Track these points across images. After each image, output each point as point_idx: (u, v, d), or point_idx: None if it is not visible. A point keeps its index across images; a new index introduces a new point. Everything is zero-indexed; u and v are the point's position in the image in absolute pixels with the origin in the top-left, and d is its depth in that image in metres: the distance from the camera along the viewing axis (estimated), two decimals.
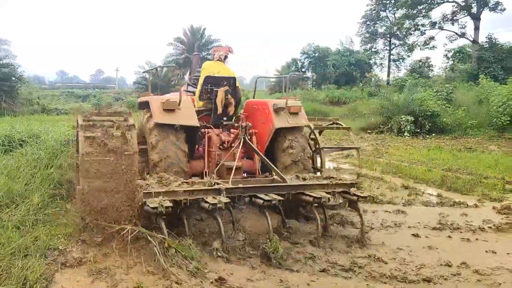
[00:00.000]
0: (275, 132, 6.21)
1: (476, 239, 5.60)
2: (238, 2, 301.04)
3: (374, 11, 48.78)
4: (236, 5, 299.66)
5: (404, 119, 18.07)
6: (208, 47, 42.61)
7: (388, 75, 48.23)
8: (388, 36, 48.39)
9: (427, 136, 17.90)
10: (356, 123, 21.65)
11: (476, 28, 31.16)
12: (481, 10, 31.16)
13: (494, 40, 30.12)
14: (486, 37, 30.75)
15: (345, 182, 5.49)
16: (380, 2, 48.18)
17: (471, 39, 31.71)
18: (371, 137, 18.00)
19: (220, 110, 6.52)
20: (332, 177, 5.59)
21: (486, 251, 5.12)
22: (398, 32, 43.73)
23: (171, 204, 4.39)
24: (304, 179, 5.52)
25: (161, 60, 46.39)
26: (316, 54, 50.04)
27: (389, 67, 49.54)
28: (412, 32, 35.89)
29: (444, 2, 32.96)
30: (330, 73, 44.91)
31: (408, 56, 46.91)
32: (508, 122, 17.41)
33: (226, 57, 7.03)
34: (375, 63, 51.23)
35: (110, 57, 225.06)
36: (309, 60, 51.48)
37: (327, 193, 5.19)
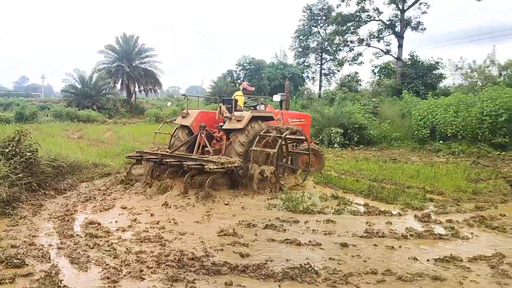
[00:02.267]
0: (227, 131, 9.52)
1: (400, 246, 5.88)
2: (173, 10, 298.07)
3: (307, 26, 50.63)
4: (171, 13, 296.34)
5: (334, 131, 18.72)
6: (142, 55, 41.62)
7: (320, 89, 50.08)
8: (320, 51, 50.38)
9: (356, 147, 18.69)
10: None
11: (400, 46, 33.23)
12: (404, 29, 33.31)
13: (416, 57, 32.21)
14: (409, 54, 32.83)
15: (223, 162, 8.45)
16: (312, 18, 50.12)
17: (395, 56, 33.73)
18: None
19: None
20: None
21: (409, 258, 5.40)
22: (329, 48, 45.64)
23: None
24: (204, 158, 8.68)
25: (91, 68, 44.59)
26: (251, 66, 50.74)
27: (320, 81, 51.54)
28: (341, 48, 37.53)
29: (371, 21, 34.87)
30: (265, 86, 45.64)
31: (338, 70, 49.16)
32: (428, 134, 18.66)
33: (244, 89, 11.36)
34: (308, 77, 52.97)
35: (36, 63, 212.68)
36: (245, 72, 52.04)
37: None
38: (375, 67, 36.13)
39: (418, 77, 30.51)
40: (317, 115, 20.54)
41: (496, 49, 49.64)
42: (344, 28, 35.40)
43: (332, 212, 7.60)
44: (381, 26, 34.73)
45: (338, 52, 39.55)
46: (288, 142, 10.09)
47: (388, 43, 35.41)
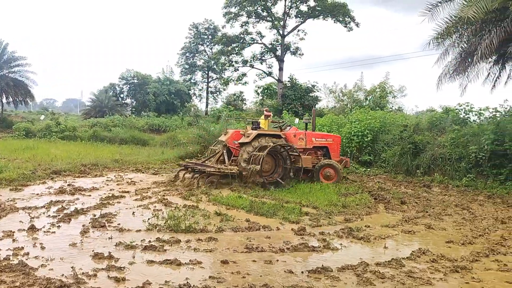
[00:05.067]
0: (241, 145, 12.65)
1: (277, 260, 6.10)
2: (53, 19, 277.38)
3: (193, 44, 50.92)
4: (50, 22, 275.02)
5: None
6: (11, 64, 37.67)
7: (207, 106, 50.48)
8: (206, 69, 50.96)
9: None
10: (175, 151, 21.86)
11: (281, 69, 35.13)
12: (284, 53, 35.34)
13: (294, 80, 34.28)
14: (289, 77, 34.83)
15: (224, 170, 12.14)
16: (199, 36, 50.61)
17: (277, 78, 35.54)
18: None
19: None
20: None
21: (285, 271, 5.61)
22: (215, 66, 46.37)
23: None
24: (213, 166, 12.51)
25: None
26: (136, 81, 49.24)
27: (207, 98, 52.02)
28: (227, 68, 38.36)
29: (254, 43, 36.36)
30: (150, 101, 44.57)
31: (224, 89, 50.09)
32: None
33: (266, 116, 14.78)
34: (194, 94, 53.08)
35: None
36: (128, 86, 50.29)
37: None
38: (259, 87, 37.58)
39: (297, 99, 32.41)
40: (203, 132, 20.61)
41: (363, 75, 55.29)
42: (230, 48, 36.33)
43: (215, 229, 7.60)
44: (264, 49, 36.40)
45: (224, 71, 40.35)
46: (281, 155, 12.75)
47: (270, 66, 37.20)
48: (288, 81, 34.30)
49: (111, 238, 6.89)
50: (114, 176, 14.13)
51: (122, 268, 5.49)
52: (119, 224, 7.75)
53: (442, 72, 14.93)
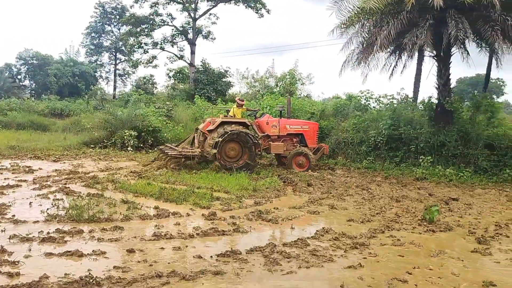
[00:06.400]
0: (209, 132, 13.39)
1: (186, 246, 6.03)
2: None
3: (99, 24, 48.02)
4: None
5: (127, 134, 18.21)
6: None
7: (115, 89, 48.17)
8: (114, 50, 48.41)
9: (150, 150, 18.58)
10: (79, 137, 20.61)
11: (193, 52, 34.60)
12: (196, 36, 34.82)
13: (207, 65, 33.95)
14: (201, 61, 34.40)
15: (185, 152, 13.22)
16: (105, 15, 47.80)
17: (189, 62, 34.94)
18: (95, 152, 17.39)
19: None
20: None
21: (194, 257, 5.56)
22: (123, 48, 44.23)
23: None
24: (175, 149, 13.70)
25: None
26: (35, 61, 45.38)
27: (115, 81, 49.53)
28: (136, 50, 36.83)
29: (164, 25, 35.30)
30: (52, 83, 41.40)
31: (133, 72, 48.05)
32: None
33: (239, 104, 14.85)
34: (101, 76, 50.34)
35: None
36: (27, 67, 46.23)
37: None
38: (170, 71, 36.73)
39: (209, 83, 32.21)
40: (110, 117, 19.65)
41: (275, 62, 56.54)
42: (139, 29, 34.88)
43: (121, 218, 7.30)
44: (175, 31, 35.51)
45: (132, 53, 38.67)
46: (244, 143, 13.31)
47: (182, 49, 36.45)
48: (201, 66, 33.92)
49: (4, 230, 6.30)
50: (10, 164, 12.96)
51: (17, 262, 5.05)
52: (13, 215, 7.12)
53: (346, 60, 15.74)
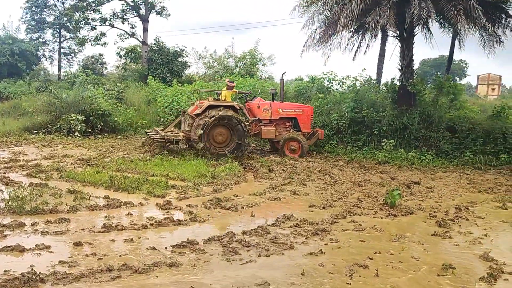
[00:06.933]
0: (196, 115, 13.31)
1: (139, 237, 5.96)
2: None
3: None
4: None
5: (74, 118, 17.62)
6: None
7: (59, 70, 46.26)
8: (58, 26, 46.36)
9: (99, 136, 18.11)
10: (20, 122, 19.78)
11: (145, 30, 33.64)
12: (148, 12, 33.85)
13: (161, 43, 33.15)
14: (155, 40, 33.52)
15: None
16: None
17: (141, 40, 34.02)
18: (38, 138, 16.75)
19: None
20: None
21: (147, 249, 5.51)
22: (68, 24, 42.44)
23: None
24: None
25: None
26: None
27: (59, 61, 47.44)
28: (82, 26, 35.42)
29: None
30: None
31: (80, 50, 46.29)
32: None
33: (229, 87, 14.96)
34: (44, 56, 48.23)
35: None
36: None
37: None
38: (121, 49, 35.63)
39: (164, 64, 31.52)
40: (54, 100, 18.95)
41: (234, 41, 56.21)
42: (85, 4, 33.54)
43: (67, 209, 7.11)
44: (125, 6, 34.37)
45: (79, 30, 37.14)
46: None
47: (133, 26, 35.38)
48: (154, 44, 33.09)
49: None
50: None
51: None
52: None
53: (307, 40, 15.84)
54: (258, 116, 14.38)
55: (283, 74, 15.18)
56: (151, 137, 13.60)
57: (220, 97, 14.51)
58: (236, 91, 15.48)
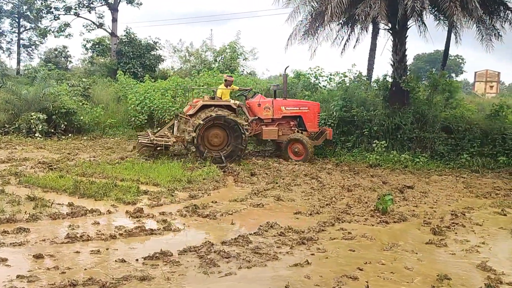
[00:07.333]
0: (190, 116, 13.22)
1: (107, 248, 5.91)
2: None
3: None
4: None
5: (35, 117, 17.37)
6: None
7: (18, 63, 45.55)
8: (17, 16, 45.63)
9: (63, 136, 17.89)
10: None
11: (114, 20, 33.30)
12: (118, 1, 33.55)
13: (132, 35, 32.81)
14: (125, 31, 33.13)
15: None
16: None
17: (110, 31, 33.68)
18: None
19: None
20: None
21: (116, 261, 5.46)
22: (28, 13, 41.83)
23: None
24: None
25: None
26: None
27: (18, 54, 46.74)
28: (44, 15, 34.90)
29: None
30: None
31: (42, 42, 45.67)
32: (146, 121, 19.52)
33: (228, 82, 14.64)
34: (1, 48, 47.38)
35: None
36: None
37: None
38: (87, 41, 35.23)
39: (136, 57, 31.22)
40: (12, 97, 18.65)
41: (213, 33, 56.03)
42: None
43: (26, 218, 7.00)
44: None
45: (40, 20, 36.62)
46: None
47: (101, 15, 35.00)
48: (125, 36, 32.77)
49: None
50: None
51: None
52: None
53: (293, 33, 15.89)
54: (259, 115, 14.15)
55: (286, 68, 15.17)
56: (139, 141, 13.49)
57: (216, 94, 14.24)
58: (234, 88, 15.24)
